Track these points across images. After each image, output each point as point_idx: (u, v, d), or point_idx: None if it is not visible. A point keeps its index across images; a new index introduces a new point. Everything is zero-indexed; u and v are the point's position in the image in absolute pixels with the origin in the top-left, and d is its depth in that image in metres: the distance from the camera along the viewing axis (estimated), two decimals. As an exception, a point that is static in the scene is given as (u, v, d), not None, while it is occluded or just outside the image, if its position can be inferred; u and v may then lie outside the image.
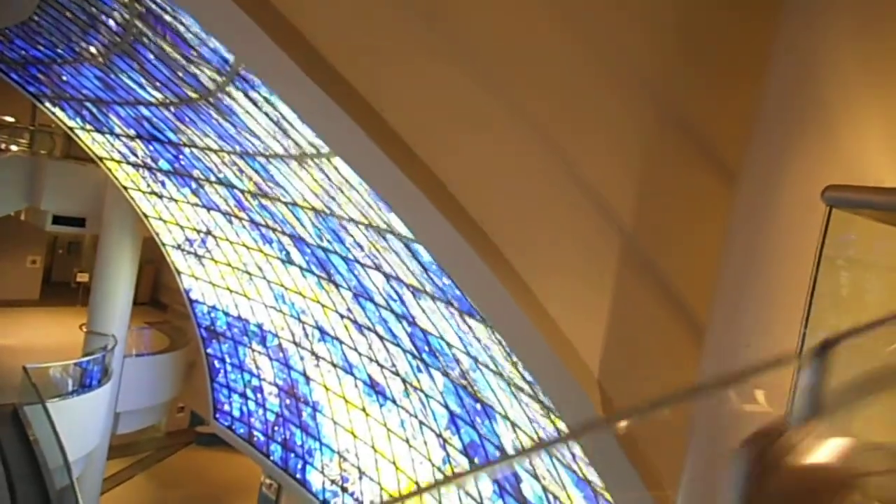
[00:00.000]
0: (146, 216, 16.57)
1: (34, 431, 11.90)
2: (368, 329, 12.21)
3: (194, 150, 12.83)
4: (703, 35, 4.41)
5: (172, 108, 11.79)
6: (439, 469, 11.60)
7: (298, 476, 15.22)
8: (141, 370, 17.15)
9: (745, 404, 3.19)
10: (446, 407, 11.00)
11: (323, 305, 13.34)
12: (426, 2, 4.15)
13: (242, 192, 12.74)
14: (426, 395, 11.42)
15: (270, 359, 16.13)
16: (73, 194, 17.53)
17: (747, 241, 3.42)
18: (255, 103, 8.96)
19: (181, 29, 8.83)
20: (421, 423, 11.93)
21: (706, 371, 3.56)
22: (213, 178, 13.37)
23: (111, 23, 10.68)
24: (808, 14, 3.37)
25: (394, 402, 12.56)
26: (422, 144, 4.17)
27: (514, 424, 9.17)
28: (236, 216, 13.98)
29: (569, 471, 8.12)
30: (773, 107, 3.45)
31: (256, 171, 11.40)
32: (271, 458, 15.99)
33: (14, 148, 18.96)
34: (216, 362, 17.69)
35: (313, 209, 10.60)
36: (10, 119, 19.76)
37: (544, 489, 8.96)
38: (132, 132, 14.44)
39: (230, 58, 8.28)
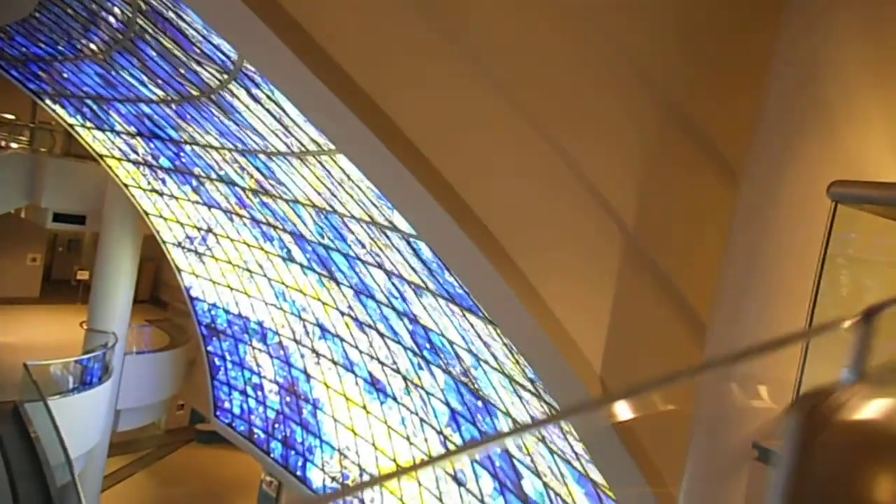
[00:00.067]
0: (147, 214, 16.57)
1: (35, 428, 11.92)
2: (369, 326, 12.24)
3: (195, 147, 12.84)
4: (705, 35, 4.43)
5: (174, 106, 11.80)
6: (440, 466, 11.62)
7: (299, 473, 15.26)
8: (141, 368, 17.17)
9: (747, 400, 3.22)
10: (447, 404, 11.03)
11: (324, 303, 13.37)
12: (432, 3, 4.17)
13: (243, 189, 12.75)
14: (427, 393, 11.46)
15: (271, 356, 16.16)
16: (73, 192, 17.52)
17: (749, 241, 3.45)
18: (257, 100, 8.98)
19: (183, 25, 8.85)
20: (422, 420, 11.97)
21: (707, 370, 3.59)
22: (214, 176, 13.38)
23: (112, 19, 10.69)
24: (809, 14, 3.40)
25: (394, 399, 12.59)
26: (428, 144, 4.20)
27: (515, 421, 9.20)
28: (237, 214, 13.99)
29: (570, 467, 8.16)
30: (775, 106, 3.48)
31: (258, 169, 11.42)
32: (272, 455, 16.03)
33: (14, 145, 18.94)
34: (216, 360, 17.71)
35: (315, 206, 10.62)
36: (10, 116, 19.73)
37: (545, 486, 9.00)
38: (133, 129, 14.45)
39: (233, 55, 8.30)
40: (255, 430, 16.61)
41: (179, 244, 17.00)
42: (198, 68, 9.70)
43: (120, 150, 15.72)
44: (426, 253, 8.22)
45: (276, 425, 16.15)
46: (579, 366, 4.52)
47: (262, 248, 14.28)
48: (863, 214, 2.92)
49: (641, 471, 4.43)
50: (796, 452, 0.94)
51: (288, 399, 15.80)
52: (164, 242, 17.14)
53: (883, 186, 2.79)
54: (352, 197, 9.03)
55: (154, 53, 10.46)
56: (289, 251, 13.35)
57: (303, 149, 9.12)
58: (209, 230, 15.68)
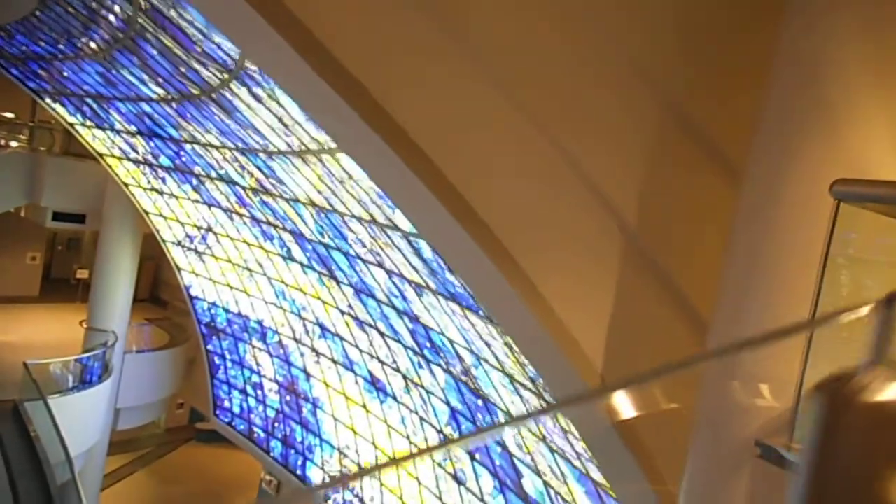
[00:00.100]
0: (146, 213, 16.57)
1: (35, 427, 11.93)
2: (369, 325, 12.25)
3: (196, 146, 12.84)
4: (706, 34, 4.44)
5: (174, 105, 11.80)
6: (440, 465, 11.65)
7: (298, 472, 15.28)
8: (141, 366, 17.18)
9: (749, 398, 3.23)
10: (447, 403, 11.04)
11: (324, 302, 13.38)
12: (433, 3, 4.18)
13: (244, 188, 12.76)
14: (427, 392, 11.47)
15: (271, 355, 16.17)
16: (73, 191, 17.52)
17: (751, 240, 3.46)
18: (258, 99, 8.98)
19: (184, 24, 8.85)
20: (422, 419, 11.98)
21: (709, 368, 3.60)
22: (214, 175, 13.39)
23: (113, 18, 10.69)
24: (810, 14, 3.41)
25: (394, 398, 12.60)
26: (430, 144, 4.21)
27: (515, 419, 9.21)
28: (237, 213, 14.00)
29: (570, 466, 8.17)
30: (776, 106, 3.49)
31: (258, 168, 11.42)
32: (271, 454, 16.04)
33: (14, 144, 18.94)
34: (216, 359, 17.72)
35: (315, 205, 10.63)
36: (9, 115, 19.72)
37: (545, 484, 9.02)
38: (133, 128, 14.44)
39: (234, 54, 8.30)
40: (255, 429, 16.63)
41: (179, 243, 17.00)
42: (198, 67, 9.70)
43: (120, 148, 15.72)
44: (427, 252, 8.23)
45: (276, 424, 16.16)
46: (581, 365, 4.53)
47: (262, 247, 14.29)
48: (863, 214, 2.93)
49: (642, 469, 4.44)
50: (822, 434, 0.96)
51: (288, 398, 15.81)
52: (163, 241, 17.14)
53: (887, 185, 2.81)
54: (352, 195, 9.04)
55: (155, 52, 10.47)
56: (289, 250, 13.35)
57: (303, 147, 9.13)
58: (209, 229, 15.68)
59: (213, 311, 17.42)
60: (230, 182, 13.01)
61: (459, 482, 11.17)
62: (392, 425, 12.85)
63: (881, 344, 1.06)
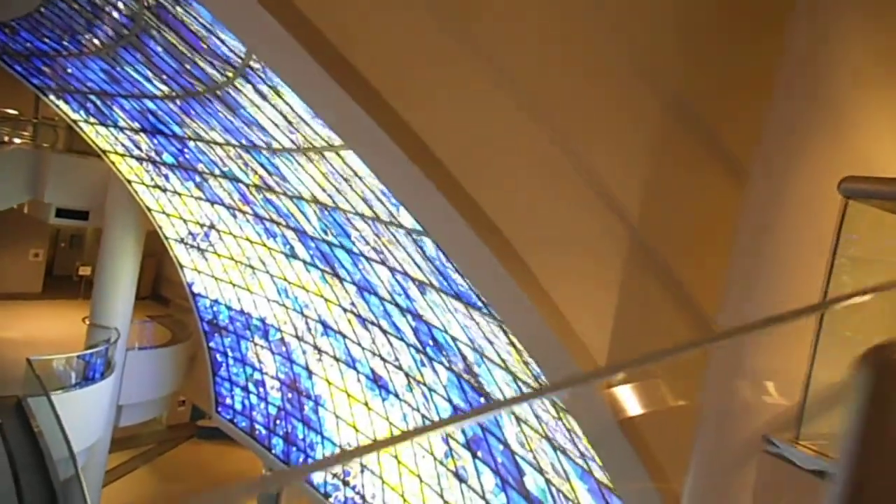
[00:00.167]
0: (149, 210, 16.60)
1: (38, 423, 11.97)
2: (372, 323, 12.27)
3: (199, 143, 12.86)
4: (711, 34, 4.45)
5: (178, 101, 11.82)
6: (441, 463, 11.67)
7: (300, 469, 15.30)
8: (143, 363, 17.21)
9: (755, 394, 3.25)
10: (449, 401, 11.06)
11: (326, 300, 13.40)
12: (442, 4, 4.20)
13: (247, 185, 12.77)
14: (429, 390, 11.49)
15: (273, 353, 16.19)
16: (76, 187, 17.55)
17: (756, 240, 3.47)
18: (263, 96, 9.00)
19: (189, 21, 8.87)
20: (424, 417, 12.00)
21: (714, 368, 3.62)
22: (217, 172, 13.41)
23: (118, 15, 10.70)
24: (817, 13, 3.42)
25: (396, 396, 12.62)
26: (440, 144, 4.22)
27: (517, 418, 9.23)
28: (240, 210, 14.02)
29: (573, 463, 8.19)
30: (783, 105, 3.50)
31: (262, 165, 11.44)
32: (273, 451, 16.07)
33: (17, 141, 18.97)
34: (218, 356, 17.75)
35: (319, 203, 10.64)
36: (13, 112, 19.75)
37: (548, 482, 9.04)
38: (136, 125, 14.47)
39: (239, 51, 8.31)
40: (257, 427, 16.66)
41: (182, 240, 17.03)
42: (203, 64, 9.72)
43: (123, 145, 15.74)
44: (430, 250, 8.25)
45: (278, 421, 16.19)
46: (585, 364, 4.54)
47: (264, 245, 14.31)
48: (868, 215, 2.94)
49: (645, 466, 4.46)
50: (872, 403, 0.98)
51: (289, 395, 15.84)
52: (166, 238, 17.16)
53: (895, 182, 2.81)
54: (357, 193, 9.06)
55: (160, 49, 10.48)
56: (292, 248, 13.37)
57: (308, 145, 9.14)
58: (212, 226, 15.71)
59: (215, 309, 17.45)
60: (234, 179, 13.03)
61: (461, 480, 11.19)
62: (394, 423, 12.87)
63: None
